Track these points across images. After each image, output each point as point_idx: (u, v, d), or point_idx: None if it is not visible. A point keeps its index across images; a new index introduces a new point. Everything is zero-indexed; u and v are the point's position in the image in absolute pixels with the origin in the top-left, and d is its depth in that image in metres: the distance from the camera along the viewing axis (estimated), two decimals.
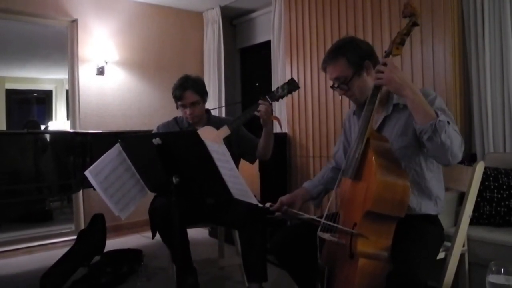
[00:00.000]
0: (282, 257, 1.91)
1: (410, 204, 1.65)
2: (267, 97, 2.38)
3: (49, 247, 4.11)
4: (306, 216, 1.82)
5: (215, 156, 1.66)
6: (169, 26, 5.19)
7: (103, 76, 4.65)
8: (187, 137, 1.88)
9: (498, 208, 2.52)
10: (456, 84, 3.07)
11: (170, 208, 1.87)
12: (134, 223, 4.50)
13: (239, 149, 2.66)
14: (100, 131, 4.00)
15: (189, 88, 2.60)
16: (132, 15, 4.89)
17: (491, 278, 1.16)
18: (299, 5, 4.19)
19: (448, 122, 1.50)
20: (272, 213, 1.92)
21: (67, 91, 7.15)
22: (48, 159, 2.79)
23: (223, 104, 5.22)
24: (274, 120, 2.55)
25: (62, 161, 2.84)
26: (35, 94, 8.95)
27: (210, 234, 4.22)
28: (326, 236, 1.64)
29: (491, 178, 2.56)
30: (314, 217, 1.73)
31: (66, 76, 4.84)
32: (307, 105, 4.13)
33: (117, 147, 1.91)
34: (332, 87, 1.90)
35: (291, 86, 2.42)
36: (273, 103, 2.42)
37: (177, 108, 2.69)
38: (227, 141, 2.34)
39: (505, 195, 2.52)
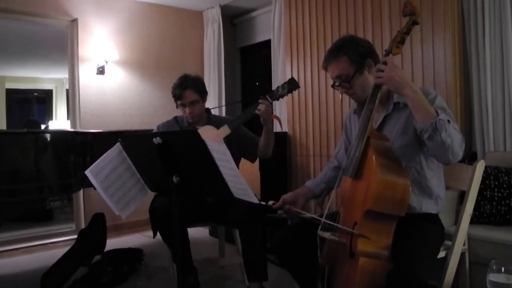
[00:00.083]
0: (282, 256, 1.91)
1: (410, 203, 1.65)
2: (267, 96, 2.38)
3: (49, 246, 4.11)
4: (308, 215, 1.82)
5: (215, 155, 1.66)
6: (169, 25, 5.19)
7: (103, 76, 4.65)
8: (187, 136, 1.87)
9: (499, 207, 2.52)
10: (456, 83, 3.07)
11: (170, 208, 1.86)
12: (135, 223, 4.50)
13: (239, 148, 2.66)
14: (100, 131, 3.99)
15: (188, 87, 2.60)
16: (132, 14, 4.89)
17: (492, 277, 1.16)
18: (299, 4, 4.19)
19: (449, 121, 1.50)
20: (275, 211, 1.91)
21: (67, 90, 7.15)
22: (49, 158, 2.79)
23: (223, 103, 5.22)
24: (274, 119, 2.55)
25: (62, 161, 2.84)
26: (35, 94, 8.95)
27: (211, 233, 4.22)
28: (327, 235, 1.64)
29: (492, 177, 2.56)
30: (315, 216, 1.73)
31: (66, 76, 4.84)
32: (307, 104, 4.13)
33: (117, 146, 1.91)
34: (333, 86, 1.89)
35: (291, 85, 2.41)
36: (273, 102, 2.42)
37: (177, 107, 2.69)
38: (228, 141, 2.34)
39: (505, 194, 2.52)
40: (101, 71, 4.62)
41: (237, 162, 2.58)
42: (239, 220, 2.42)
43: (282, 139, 4.27)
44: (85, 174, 1.84)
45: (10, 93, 8.30)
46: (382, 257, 1.53)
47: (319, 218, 1.70)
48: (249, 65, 5.79)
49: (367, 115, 1.66)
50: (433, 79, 3.13)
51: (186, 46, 5.34)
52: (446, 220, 2.06)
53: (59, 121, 8.31)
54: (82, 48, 4.54)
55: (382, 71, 1.59)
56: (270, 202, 1.90)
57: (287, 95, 2.44)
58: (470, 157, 3.00)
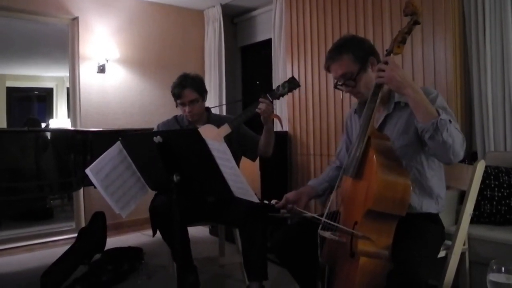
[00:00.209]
0: (282, 255, 1.91)
1: (411, 202, 1.65)
2: (267, 95, 2.38)
3: (49, 245, 4.11)
4: (309, 214, 1.82)
5: (216, 154, 1.66)
6: (170, 24, 5.18)
7: (104, 74, 4.65)
8: (188, 135, 1.88)
9: (499, 207, 2.52)
10: (457, 82, 3.07)
11: (170, 206, 1.86)
12: (135, 221, 4.50)
13: (240, 147, 2.66)
14: (101, 129, 4.01)
15: (187, 86, 2.60)
16: (133, 13, 4.88)
17: (492, 277, 1.16)
18: (300, 4, 4.19)
19: (450, 121, 1.50)
20: (277, 210, 1.91)
21: (68, 89, 7.14)
22: (49, 157, 2.79)
23: (224, 102, 5.22)
24: (275, 118, 2.55)
25: (62, 159, 2.84)
26: (36, 92, 8.94)
27: (211, 232, 4.22)
28: (327, 234, 1.64)
29: (492, 177, 2.56)
30: (315, 215, 1.73)
31: (67, 74, 4.83)
32: (307, 104, 4.13)
33: (117, 145, 1.91)
34: (336, 86, 1.88)
35: (292, 84, 2.41)
36: (274, 101, 2.42)
37: (176, 106, 2.69)
38: (228, 139, 2.34)
39: (505, 194, 2.52)
40: (101, 69, 4.62)
41: (237, 161, 2.58)
42: (240, 219, 2.42)
43: (283, 138, 4.27)
44: (85, 173, 1.84)
45: (11, 91, 8.30)
46: (382, 257, 1.53)
47: (319, 217, 1.70)
48: (250, 64, 5.79)
49: (368, 115, 1.66)
50: (433, 79, 3.13)
51: (187, 45, 5.34)
52: (446, 220, 2.06)
53: (60, 120, 8.31)
54: (83, 46, 4.53)
55: (383, 70, 1.59)
56: (273, 201, 1.90)
57: (287, 94, 2.44)
58: (470, 157, 3.00)
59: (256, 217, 2.35)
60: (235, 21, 5.69)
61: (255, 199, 1.74)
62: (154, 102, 4.99)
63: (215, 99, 5.20)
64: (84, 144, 2.97)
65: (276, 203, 1.90)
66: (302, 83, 4.01)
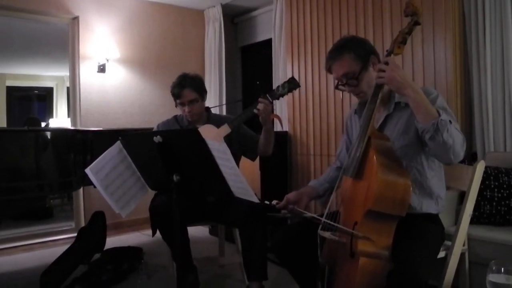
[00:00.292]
0: (282, 255, 1.91)
1: (411, 203, 1.65)
2: (267, 95, 2.38)
3: (49, 244, 4.11)
4: (309, 214, 1.82)
5: (216, 154, 1.66)
6: (170, 24, 5.18)
7: (104, 74, 4.65)
8: (188, 135, 1.88)
9: (499, 207, 2.52)
10: (457, 83, 3.07)
11: (170, 206, 1.86)
12: (135, 221, 4.50)
13: (240, 147, 2.66)
14: (101, 129, 4.01)
15: (187, 86, 2.59)
16: (133, 12, 4.88)
17: (491, 277, 1.16)
18: (300, 4, 4.19)
19: (450, 121, 1.50)
20: (278, 211, 1.91)
21: (68, 88, 7.14)
22: (49, 156, 2.79)
23: (224, 102, 5.22)
24: (275, 119, 2.55)
25: (62, 159, 2.84)
26: (36, 91, 8.94)
27: (211, 232, 4.22)
28: (327, 234, 1.64)
29: (492, 177, 2.56)
30: (315, 216, 1.73)
31: (67, 74, 4.83)
32: (308, 104, 4.13)
33: (117, 145, 1.91)
34: (337, 87, 1.88)
35: (292, 84, 2.41)
36: (274, 101, 2.42)
37: (176, 106, 2.69)
38: (228, 139, 2.34)
39: (505, 194, 2.52)
40: (102, 69, 4.62)
41: (237, 161, 2.58)
42: (239, 219, 2.41)
43: (283, 138, 4.27)
44: (85, 172, 1.84)
45: (11, 90, 8.30)
46: (382, 257, 1.53)
47: (318, 217, 1.70)
48: (250, 64, 5.79)
49: (368, 115, 1.66)
50: (433, 80, 3.13)
51: (187, 45, 5.34)
52: (446, 220, 2.06)
53: (60, 119, 8.30)
54: (83, 46, 4.53)
55: (384, 71, 1.59)
56: (274, 202, 1.90)
57: (287, 94, 2.43)
58: (470, 158, 3.00)
59: (256, 217, 2.35)
60: (236, 21, 5.69)
61: (255, 199, 1.74)
62: (154, 102, 4.99)
63: (215, 99, 5.20)
64: (84, 144, 2.97)
65: (277, 203, 1.90)
66: (302, 83, 4.02)
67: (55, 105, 8.63)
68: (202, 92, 2.67)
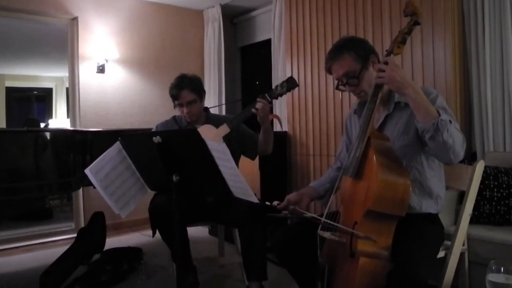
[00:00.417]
0: (282, 255, 1.91)
1: (410, 203, 1.65)
2: (266, 95, 2.38)
3: (49, 245, 4.11)
4: (309, 214, 1.82)
5: (215, 154, 1.66)
6: (169, 24, 5.18)
7: (104, 74, 4.65)
8: (187, 135, 1.87)
9: (498, 207, 2.52)
10: (456, 83, 3.07)
11: (170, 207, 1.86)
12: (134, 221, 4.50)
13: (239, 146, 2.66)
14: (100, 129, 4.00)
15: (185, 88, 2.59)
16: (132, 13, 4.88)
17: (491, 277, 1.16)
18: (299, 4, 4.19)
19: (450, 121, 1.51)
20: (279, 211, 1.91)
21: (67, 89, 7.15)
22: (48, 157, 2.79)
23: (224, 102, 5.22)
24: (274, 118, 2.55)
25: (62, 159, 2.84)
26: (35, 92, 8.93)
27: (210, 232, 4.22)
28: (327, 234, 1.63)
29: (491, 177, 2.56)
30: (315, 216, 1.73)
31: (66, 74, 4.84)
32: (307, 104, 4.13)
33: (117, 145, 1.91)
34: (337, 87, 1.88)
35: (290, 84, 2.41)
36: (274, 101, 2.42)
37: (174, 107, 2.69)
38: (227, 139, 2.34)
39: (504, 194, 2.52)
40: (101, 69, 4.62)
41: (236, 160, 2.58)
42: (239, 220, 2.41)
43: (282, 138, 4.27)
44: (84, 173, 1.84)
45: (10, 91, 8.30)
46: (382, 257, 1.53)
47: (318, 217, 1.70)
48: (249, 64, 5.79)
49: (368, 115, 1.66)
50: (433, 79, 3.13)
51: (186, 45, 5.34)
52: (445, 220, 2.06)
53: (59, 120, 8.31)
54: (82, 46, 4.53)
55: (383, 71, 1.59)
56: (275, 203, 1.90)
57: (286, 93, 2.44)
58: (469, 157, 3.00)
59: (256, 217, 2.35)
60: (235, 21, 5.69)
61: (255, 199, 1.74)
62: (154, 102, 4.99)
63: (214, 99, 5.20)
64: (84, 144, 2.97)
65: (278, 204, 1.90)
66: (301, 83, 4.02)
67: (54, 105, 8.64)
68: (200, 93, 2.66)
